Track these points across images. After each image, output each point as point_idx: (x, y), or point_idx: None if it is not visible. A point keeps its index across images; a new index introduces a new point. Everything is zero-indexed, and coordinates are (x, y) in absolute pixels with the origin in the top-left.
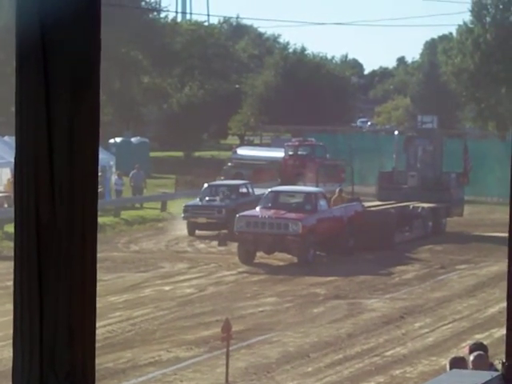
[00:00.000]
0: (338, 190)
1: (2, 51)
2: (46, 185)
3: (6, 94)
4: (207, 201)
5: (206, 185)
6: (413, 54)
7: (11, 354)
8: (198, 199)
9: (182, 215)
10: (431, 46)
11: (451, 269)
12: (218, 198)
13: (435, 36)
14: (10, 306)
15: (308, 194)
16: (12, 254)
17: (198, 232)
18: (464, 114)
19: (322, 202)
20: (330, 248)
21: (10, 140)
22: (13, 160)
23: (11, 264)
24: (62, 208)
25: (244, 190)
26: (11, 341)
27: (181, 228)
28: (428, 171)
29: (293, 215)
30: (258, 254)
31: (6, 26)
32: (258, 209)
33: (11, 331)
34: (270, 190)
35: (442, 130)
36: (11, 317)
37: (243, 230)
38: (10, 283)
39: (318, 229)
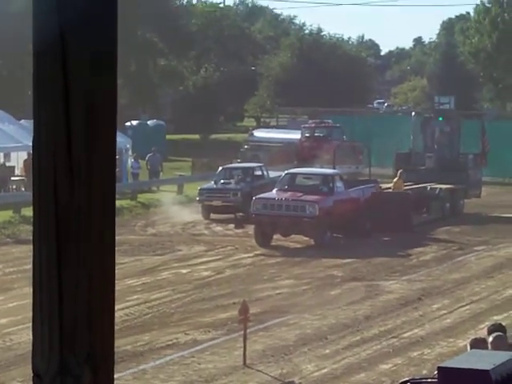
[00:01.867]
0: (399, 173)
1: (19, 34)
2: (64, 168)
3: (23, 78)
4: (222, 184)
5: (220, 168)
6: (430, 34)
7: (30, 337)
8: (212, 182)
9: (197, 198)
10: (448, 26)
11: (469, 250)
12: (232, 181)
13: (452, 16)
14: (28, 290)
15: (325, 175)
16: (30, 237)
17: (212, 215)
18: (482, 94)
19: (339, 184)
20: (347, 230)
21: (27, 124)
22: (30, 144)
23: (29, 247)
24: (80, 191)
25: (259, 172)
26: (30, 324)
27: (197, 211)
28: (445, 152)
29: (309, 197)
30: (275, 236)
31: (23, 8)
32: (274, 191)
33: (30, 314)
34: (286, 172)
35: (460, 110)
36: (30, 300)
37: (260, 213)
38: (28, 267)
39: (335, 211)
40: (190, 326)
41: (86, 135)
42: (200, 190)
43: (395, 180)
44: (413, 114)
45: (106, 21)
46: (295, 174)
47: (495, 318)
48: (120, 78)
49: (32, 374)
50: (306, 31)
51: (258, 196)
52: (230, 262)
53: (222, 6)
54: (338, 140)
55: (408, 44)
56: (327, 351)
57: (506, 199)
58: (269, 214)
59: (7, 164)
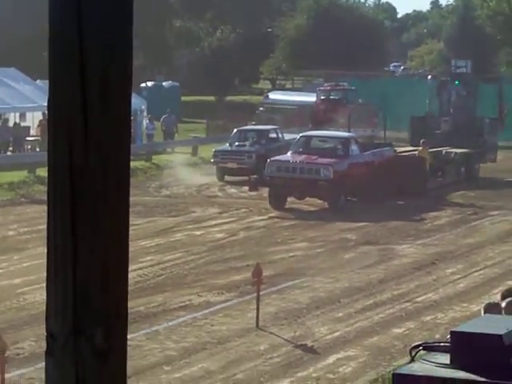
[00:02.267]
0: (422, 142)
1: None
2: (79, 128)
3: (37, 39)
4: (237, 146)
5: (235, 130)
6: None
7: (44, 297)
8: (227, 144)
9: (212, 160)
10: None
11: (484, 215)
12: (247, 143)
13: None
14: (42, 250)
15: (340, 138)
16: (44, 197)
17: (227, 177)
18: (499, 58)
19: (354, 147)
20: (362, 193)
21: (42, 84)
22: (45, 104)
23: (44, 208)
24: (95, 151)
25: (274, 135)
26: (44, 284)
27: (211, 173)
28: (461, 116)
29: (324, 160)
30: (289, 199)
31: None
32: (289, 154)
33: (44, 274)
34: (301, 134)
35: (476, 74)
36: (44, 260)
37: (274, 175)
38: (43, 227)
39: (350, 174)
40: (204, 287)
41: (101, 96)
42: (215, 151)
43: (420, 150)
44: (429, 77)
45: None
46: (310, 137)
47: (509, 282)
48: (135, 40)
49: (46, 334)
50: None
51: (272, 158)
52: (243, 224)
53: None
54: (354, 103)
55: (425, 7)
56: (340, 314)
57: None
58: (283, 176)
59: (22, 124)
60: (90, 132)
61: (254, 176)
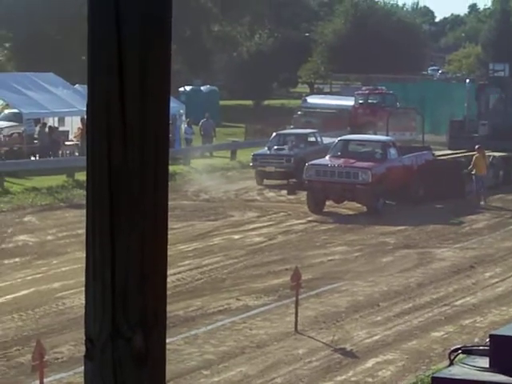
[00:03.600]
0: (477, 148)
1: (73, 2)
2: (118, 132)
3: (76, 43)
4: (275, 150)
5: (274, 134)
6: (485, 1)
7: (83, 302)
8: (266, 148)
9: (251, 164)
10: None
11: None
12: (286, 147)
13: None
14: (80, 254)
15: (378, 142)
16: (82, 202)
17: (265, 181)
18: None
19: (392, 151)
20: (400, 197)
21: (81, 89)
22: (83, 109)
23: (82, 212)
24: (133, 155)
25: (312, 138)
26: (83, 288)
27: (250, 177)
28: (499, 120)
29: (362, 164)
30: (328, 202)
31: None
32: (327, 157)
33: (83, 279)
34: (339, 138)
35: None
36: (83, 264)
37: (313, 179)
38: (82, 231)
39: (388, 178)
40: (242, 291)
41: (140, 100)
42: (253, 155)
43: (476, 155)
44: (467, 81)
45: None
46: (348, 141)
47: None
48: (174, 44)
49: (84, 338)
50: None
51: (311, 162)
52: (282, 228)
53: None
54: (392, 107)
55: (463, 11)
56: (379, 318)
57: None
58: (322, 180)
59: (61, 129)
60: (128, 135)
61: (293, 180)
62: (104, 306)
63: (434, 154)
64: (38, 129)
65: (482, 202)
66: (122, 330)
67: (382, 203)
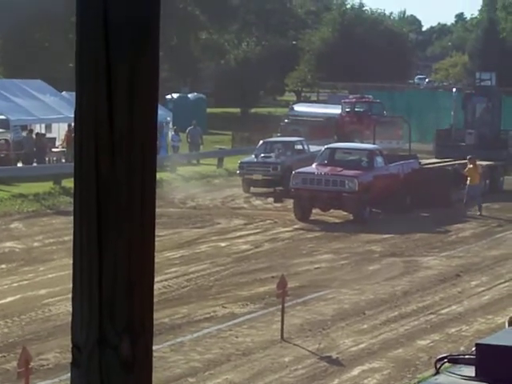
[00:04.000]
0: (468, 158)
1: (61, 6)
2: (105, 139)
3: (64, 50)
4: (262, 157)
5: (261, 141)
6: (472, 10)
7: (69, 309)
8: (253, 156)
9: (238, 172)
10: (490, 2)
11: (508, 227)
12: (273, 155)
13: None
14: (67, 261)
15: (364, 151)
16: (69, 209)
17: (252, 189)
18: None
19: (379, 159)
20: (387, 205)
21: (68, 95)
22: (70, 115)
23: (69, 219)
24: (121, 162)
25: (299, 146)
26: (69, 295)
27: (237, 184)
28: (486, 129)
29: (349, 172)
30: (314, 210)
31: None
32: (314, 165)
33: (69, 286)
34: (326, 146)
35: (501, 87)
36: (70, 271)
37: (299, 187)
38: (68, 238)
39: (375, 186)
40: (228, 299)
41: (128, 107)
42: (240, 163)
43: (470, 167)
44: (454, 90)
45: None
46: (335, 149)
47: None
48: (161, 51)
49: (71, 345)
50: (348, 6)
51: (297, 170)
52: (268, 235)
53: None
54: (378, 115)
55: (450, 20)
56: (365, 326)
57: None
58: (308, 188)
59: (48, 135)
60: (116, 142)
61: (280, 188)
62: (91, 313)
63: (420, 163)
64: (24, 135)
65: (478, 213)
66: (109, 338)
67: (368, 211)
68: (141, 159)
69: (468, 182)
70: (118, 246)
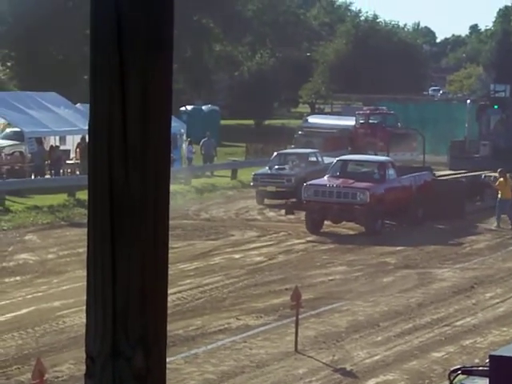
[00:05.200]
0: (499, 171)
1: (75, 18)
2: (119, 151)
3: (79, 62)
4: (276, 169)
5: (275, 153)
6: (486, 21)
7: (83, 320)
8: (267, 168)
9: (252, 183)
10: (505, 14)
11: None
12: (287, 167)
13: (509, 3)
14: (81, 273)
15: (376, 163)
16: (84, 221)
17: (266, 201)
18: None
19: (391, 172)
20: (399, 217)
21: (82, 108)
22: (84, 128)
23: (83, 231)
24: (135, 174)
25: (313, 158)
26: (83, 307)
27: (251, 196)
28: (500, 140)
29: (361, 184)
30: (326, 222)
31: None
32: (325, 177)
33: (83, 297)
34: (338, 158)
35: None
36: (84, 283)
37: (311, 199)
38: (82, 250)
39: (386, 198)
40: (242, 311)
41: (142, 120)
42: (254, 175)
43: (500, 180)
44: (468, 101)
45: (162, 4)
46: (347, 161)
47: None
48: (175, 63)
49: (85, 357)
50: (362, 18)
51: (309, 182)
52: (282, 247)
53: None
54: (393, 127)
55: (464, 31)
56: (379, 338)
57: None
58: (320, 200)
59: (62, 147)
60: (129, 155)
61: (292, 200)
62: (105, 325)
63: (434, 175)
64: (35, 148)
65: (510, 227)
66: (123, 349)
67: (380, 224)
68: (154, 172)
69: (499, 195)
70: (131, 258)
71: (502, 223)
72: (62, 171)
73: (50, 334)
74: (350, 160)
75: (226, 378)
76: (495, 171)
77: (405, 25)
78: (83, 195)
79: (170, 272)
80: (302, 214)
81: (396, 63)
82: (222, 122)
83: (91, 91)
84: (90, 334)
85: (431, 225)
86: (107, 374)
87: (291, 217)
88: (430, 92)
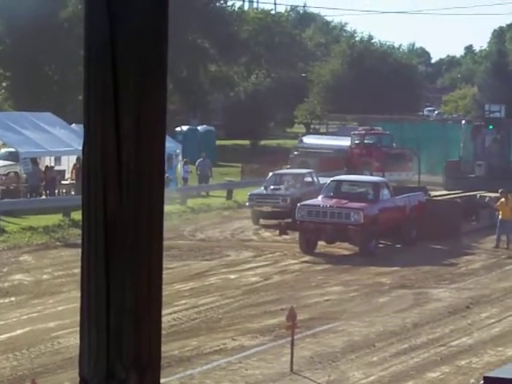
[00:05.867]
0: (500, 192)
1: (70, 39)
2: (113, 172)
3: (73, 83)
4: (272, 189)
5: (270, 173)
6: (481, 42)
7: (78, 341)
8: (262, 188)
9: (247, 204)
10: (499, 35)
11: None
12: (282, 187)
13: (503, 24)
14: (76, 293)
15: (370, 183)
16: (78, 241)
17: (262, 221)
18: None
19: (385, 192)
20: (393, 238)
21: (77, 128)
22: (79, 148)
23: (78, 251)
24: (129, 196)
25: (309, 178)
26: (77, 328)
27: (246, 216)
28: (495, 160)
29: (355, 204)
30: (322, 243)
31: (73, 14)
32: (319, 198)
33: (77, 318)
34: (332, 179)
35: (510, 119)
36: (78, 304)
37: (304, 219)
38: (77, 270)
39: (380, 219)
40: (238, 331)
41: (136, 141)
42: (250, 195)
43: (502, 200)
44: (463, 122)
45: (157, 25)
46: (341, 182)
47: None
48: (170, 84)
49: (79, 379)
50: (357, 38)
51: (302, 203)
52: (278, 267)
53: (273, 12)
54: (388, 147)
55: (459, 52)
56: (375, 359)
57: None
58: (313, 220)
59: (57, 168)
60: (123, 175)
61: (286, 220)
62: (98, 348)
63: (429, 195)
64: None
65: (506, 246)
66: (117, 372)
67: (374, 244)
68: (148, 193)
69: (500, 216)
70: (125, 280)
71: (501, 244)
72: (57, 191)
73: (45, 355)
74: (344, 180)
75: None
76: (490, 191)
77: (400, 45)
78: (78, 215)
79: (165, 292)
80: (297, 234)
81: (391, 84)
82: (218, 142)
83: (85, 114)
84: (83, 357)
85: (426, 245)
86: None
87: (287, 237)
88: (425, 112)
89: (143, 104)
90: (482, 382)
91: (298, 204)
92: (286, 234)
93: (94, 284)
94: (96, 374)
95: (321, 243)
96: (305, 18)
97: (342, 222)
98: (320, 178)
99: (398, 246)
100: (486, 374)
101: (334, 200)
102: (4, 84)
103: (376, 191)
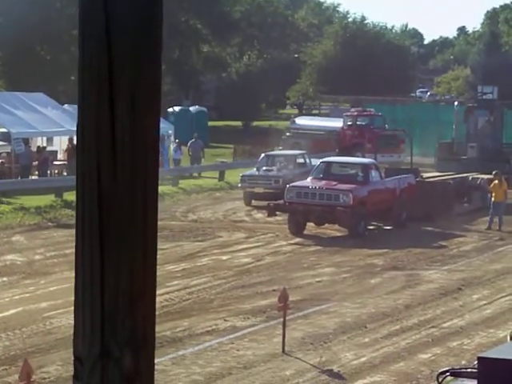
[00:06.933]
0: (494, 173)
1: (62, 19)
2: (107, 152)
3: (66, 63)
4: (264, 171)
5: (262, 155)
6: (474, 23)
7: (71, 321)
8: (254, 169)
9: (239, 185)
10: (492, 16)
11: (510, 240)
12: (275, 168)
13: (497, 5)
14: (69, 274)
15: (360, 165)
16: (71, 221)
17: (254, 202)
18: None
19: (374, 174)
20: (383, 220)
21: (70, 109)
22: (72, 128)
23: (70, 232)
24: (123, 176)
25: (301, 160)
26: (71, 308)
27: (238, 198)
28: (488, 142)
29: (344, 186)
30: (312, 224)
31: None
32: (309, 179)
33: (71, 298)
34: (321, 160)
35: (503, 100)
36: (71, 284)
37: (293, 201)
38: (70, 251)
39: (370, 200)
40: (230, 312)
41: (130, 120)
42: (242, 176)
43: (495, 182)
44: (456, 103)
45: (151, 6)
46: (330, 163)
47: None
48: (163, 64)
49: (73, 358)
50: (350, 19)
51: (291, 184)
52: (270, 249)
53: None
54: (380, 129)
55: (452, 33)
56: (366, 340)
57: None
58: (302, 202)
59: (49, 148)
60: (118, 155)
61: (277, 201)
62: (93, 326)
63: (422, 176)
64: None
65: (497, 228)
66: (111, 350)
67: (363, 226)
68: (143, 172)
69: (493, 198)
70: (120, 259)
71: (493, 225)
72: (49, 172)
73: (38, 335)
74: (334, 162)
75: (214, 379)
76: (483, 173)
77: (393, 26)
78: (71, 196)
79: (157, 273)
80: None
81: (384, 65)
82: (210, 123)
83: (79, 93)
84: (78, 336)
85: (418, 226)
86: (95, 376)
87: (279, 218)
88: (417, 94)
89: (138, 83)
90: (475, 362)
91: (287, 185)
92: (275, 215)
93: (88, 263)
94: (90, 353)
95: (311, 225)
96: None
97: (330, 204)
98: (312, 160)
99: (388, 227)
100: (480, 354)
101: (324, 181)
102: None
103: (365, 173)
